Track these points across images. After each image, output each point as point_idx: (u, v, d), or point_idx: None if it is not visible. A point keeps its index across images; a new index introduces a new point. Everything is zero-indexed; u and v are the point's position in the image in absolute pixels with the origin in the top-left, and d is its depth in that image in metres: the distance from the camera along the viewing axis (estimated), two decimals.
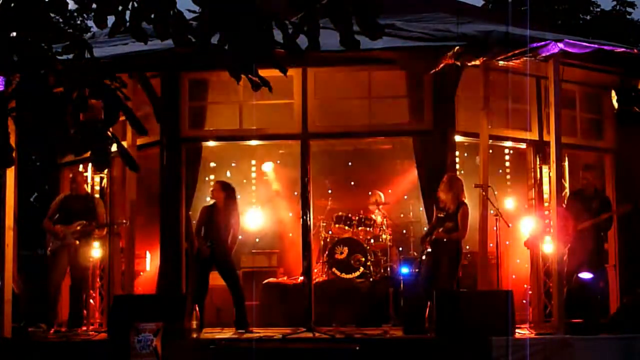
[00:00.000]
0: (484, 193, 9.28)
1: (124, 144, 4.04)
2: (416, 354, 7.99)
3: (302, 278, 9.48)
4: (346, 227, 10.85)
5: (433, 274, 8.81)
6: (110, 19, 3.79)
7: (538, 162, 10.01)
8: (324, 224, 11.03)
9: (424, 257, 9.01)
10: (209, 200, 10.17)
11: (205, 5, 3.59)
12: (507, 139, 10.16)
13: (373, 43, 5.66)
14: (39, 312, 9.70)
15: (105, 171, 10.21)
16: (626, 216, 9.85)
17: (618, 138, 10.61)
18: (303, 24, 3.57)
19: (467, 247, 10.54)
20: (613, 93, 9.63)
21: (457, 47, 8.37)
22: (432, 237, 8.88)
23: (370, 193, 11.51)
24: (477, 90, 9.41)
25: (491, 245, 9.47)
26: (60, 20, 17.85)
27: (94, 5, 3.73)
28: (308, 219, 9.14)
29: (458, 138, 9.60)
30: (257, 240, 12.40)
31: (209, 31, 3.60)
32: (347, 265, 10.43)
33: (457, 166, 10.00)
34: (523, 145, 10.10)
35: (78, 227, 9.50)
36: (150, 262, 10.99)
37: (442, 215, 8.87)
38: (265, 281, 10.58)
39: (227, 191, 9.64)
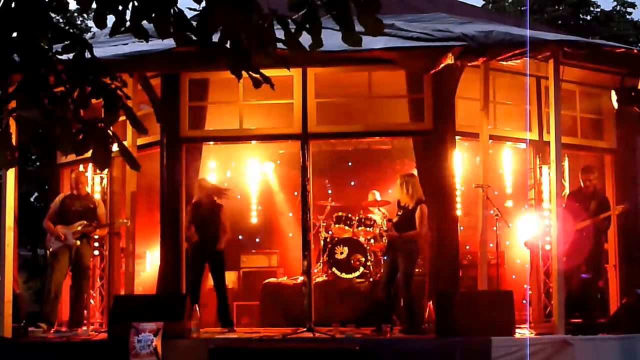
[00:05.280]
0: (484, 193, 9.28)
1: (125, 143, 4.05)
2: (416, 354, 7.98)
3: (302, 278, 9.48)
4: (346, 227, 10.85)
5: (392, 274, 8.91)
6: (111, 19, 3.79)
7: (538, 162, 10.01)
8: (324, 224, 11.04)
9: (385, 257, 9.14)
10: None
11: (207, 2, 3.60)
12: (507, 139, 10.17)
13: (373, 43, 5.68)
14: (39, 312, 9.70)
15: (106, 171, 10.21)
16: (624, 216, 9.86)
17: (618, 138, 10.62)
18: (305, 21, 3.57)
19: (467, 247, 10.58)
20: (613, 93, 9.63)
21: (457, 47, 8.37)
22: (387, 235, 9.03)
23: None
24: (477, 90, 9.41)
25: (491, 245, 9.48)
26: (61, 20, 17.86)
27: (94, 5, 3.73)
28: (308, 219, 9.14)
29: (458, 138, 9.60)
30: (257, 240, 12.42)
31: (210, 28, 3.60)
32: (347, 265, 10.43)
33: (457, 166, 10.00)
34: (523, 145, 10.10)
35: (78, 227, 9.50)
36: (150, 262, 11.00)
37: (400, 213, 8.98)
38: (265, 281, 10.59)
39: (209, 189, 9.63)
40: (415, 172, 9.62)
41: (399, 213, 9.03)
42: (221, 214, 9.60)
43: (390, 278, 8.95)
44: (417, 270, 9.23)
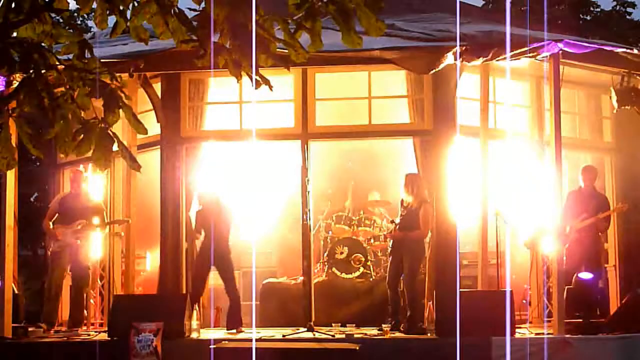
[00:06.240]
0: (484, 193, 9.29)
1: (125, 143, 4.05)
2: (416, 354, 7.98)
3: (302, 278, 9.48)
4: (346, 227, 10.84)
5: (397, 273, 8.92)
6: (111, 19, 3.80)
7: (538, 162, 10.00)
8: (324, 224, 11.03)
9: (390, 257, 9.17)
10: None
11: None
12: (507, 139, 10.15)
13: (373, 43, 5.69)
14: (39, 312, 9.70)
15: (106, 171, 10.20)
16: (624, 216, 9.86)
17: (618, 138, 10.61)
18: (305, 21, 3.57)
19: (467, 247, 10.56)
20: (613, 93, 9.63)
21: (457, 47, 8.37)
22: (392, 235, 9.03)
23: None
24: (477, 90, 9.40)
25: (491, 245, 9.47)
26: (61, 20, 17.85)
27: (94, 5, 3.74)
28: (308, 219, 9.14)
29: (458, 138, 9.60)
30: (257, 240, 12.39)
31: (210, 28, 3.61)
32: (347, 265, 10.42)
33: (457, 166, 9.99)
34: (522, 145, 10.09)
35: (78, 227, 9.49)
36: (150, 262, 10.99)
37: (404, 214, 8.96)
38: (265, 281, 10.58)
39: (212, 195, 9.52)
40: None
41: (403, 213, 9.01)
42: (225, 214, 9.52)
43: (396, 278, 8.93)
44: None
